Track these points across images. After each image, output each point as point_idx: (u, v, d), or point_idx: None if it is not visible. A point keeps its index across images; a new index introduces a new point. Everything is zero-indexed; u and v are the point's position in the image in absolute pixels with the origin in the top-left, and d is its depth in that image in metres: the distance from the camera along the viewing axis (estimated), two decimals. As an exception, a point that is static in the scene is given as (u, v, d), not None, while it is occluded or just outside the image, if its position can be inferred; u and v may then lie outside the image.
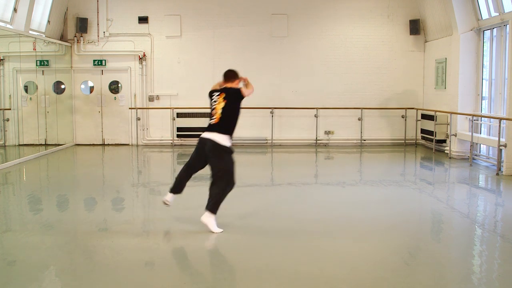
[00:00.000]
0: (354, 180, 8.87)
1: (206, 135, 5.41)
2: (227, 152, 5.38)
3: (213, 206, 5.36)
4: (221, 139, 5.33)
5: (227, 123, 5.41)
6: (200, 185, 8.30)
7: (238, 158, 11.43)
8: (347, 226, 5.76)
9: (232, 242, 5.15)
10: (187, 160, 5.66)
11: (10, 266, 4.53)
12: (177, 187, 5.66)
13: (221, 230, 5.37)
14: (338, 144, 13.25)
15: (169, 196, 5.64)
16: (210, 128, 5.42)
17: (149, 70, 13.24)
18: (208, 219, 5.34)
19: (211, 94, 5.70)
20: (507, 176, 8.71)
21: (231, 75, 5.70)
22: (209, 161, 5.44)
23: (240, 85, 5.76)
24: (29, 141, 12.02)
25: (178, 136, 13.10)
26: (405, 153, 12.11)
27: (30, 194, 7.69)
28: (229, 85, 5.66)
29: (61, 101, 13.06)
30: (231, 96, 5.49)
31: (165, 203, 5.68)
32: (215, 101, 5.54)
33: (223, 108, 5.43)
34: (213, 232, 5.32)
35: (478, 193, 8.06)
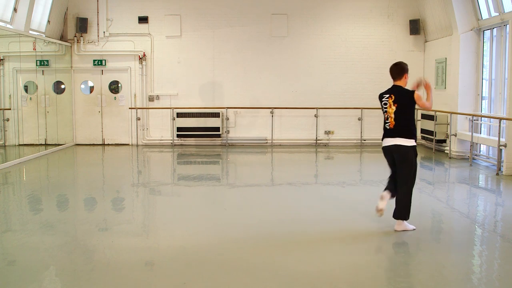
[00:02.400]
0: (354, 180, 8.86)
1: (388, 142, 5.28)
2: (411, 156, 5.20)
3: (404, 214, 5.28)
4: (406, 143, 5.16)
5: (404, 127, 5.18)
6: (199, 185, 8.31)
7: (238, 158, 11.51)
8: (347, 226, 5.76)
9: (232, 242, 5.15)
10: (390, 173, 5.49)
11: (10, 266, 4.53)
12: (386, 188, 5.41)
13: (414, 227, 5.37)
14: (338, 144, 13.25)
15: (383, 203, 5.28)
16: (388, 133, 5.29)
17: (149, 70, 13.24)
18: (401, 226, 5.30)
19: (381, 97, 5.41)
20: (507, 176, 8.71)
21: (396, 71, 5.37)
22: (397, 166, 5.30)
23: (419, 91, 5.35)
24: (29, 141, 12.02)
25: (178, 136, 13.10)
26: (405, 153, 12.09)
27: (30, 194, 7.68)
28: (397, 83, 5.36)
29: (61, 101, 13.06)
30: (401, 100, 5.19)
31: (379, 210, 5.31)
32: (385, 104, 5.30)
33: (395, 113, 5.19)
34: (413, 229, 5.33)
35: (478, 193, 8.06)
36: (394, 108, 5.19)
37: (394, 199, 5.39)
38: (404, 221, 5.37)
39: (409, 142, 5.17)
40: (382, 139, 5.42)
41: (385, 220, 6.00)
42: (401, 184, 5.26)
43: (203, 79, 13.26)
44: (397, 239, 5.30)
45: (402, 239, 5.34)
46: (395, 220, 5.40)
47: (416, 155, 5.29)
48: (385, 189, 5.39)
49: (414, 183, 5.38)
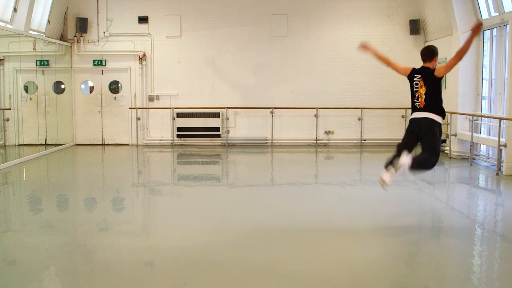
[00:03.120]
0: (354, 180, 8.86)
1: (419, 114, 5.43)
2: (436, 129, 5.40)
3: (414, 160, 5.30)
4: (435, 117, 5.39)
5: (434, 106, 5.41)
6: (199, 185, 8.31)
7: (238, 158, 11.51)
8: (347, 226, 5.76)
9: (232, 242, 5.15)
10: (400, 144, 5.60)
11: (10, 266, 4.53)
12: (395, 156, 5.46)
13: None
14: (338, 144, 13.25)
15: (388, 175, 5.40)
16: (418, 110, 5.45)
17: (149, 70, 13.24)
18: (406, 159, 5.26)
19: (412, 75, 5.57)
20: (507, 176, 8.71)
21: (427, 54, 5.56)
22: (422, 139, 5.46)
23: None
24: (29, 141, 12.02)
25: (178, 136, 13.11)
26: (405, 153, 12.10)
27: (30, 194, 7.69)
28: (427, 64, 5.55)
29: (61, 101, 13.06)
30: (429, 80, 5.42)
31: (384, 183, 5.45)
32: (416, 84, 5.51)
33: (426, 94, 5.42)
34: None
35: (478, 193, 8.06)
36: (424, 89, 5.43)
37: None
38: (408, 164, 5.29)
39: (438, 118, 5.40)
40: (412, 113, 5.57)
41: (385, 220, 6.00)
42: (427, 153, 5.38)
43: (203, 79, 13.26)
44: (397, 239, 5.30)
45: (402, 239, 5.34)
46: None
47: (441, 132, 5.47)
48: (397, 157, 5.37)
49: (438, 157, 5.47)
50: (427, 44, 5.76)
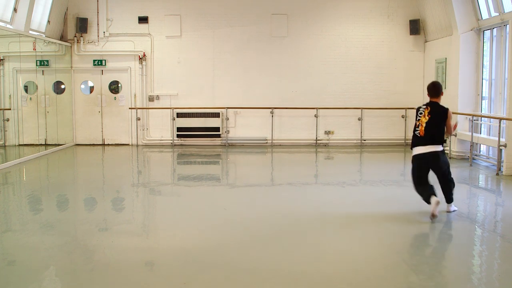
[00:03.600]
0: (354, 180, 8.86)
1: (421, 150, 5.88)
2: (444, 157, 5.98)
3: (450, 197, 6.16)
4: (437, 148, 5.85)
5: (433, 135, 5.82)
6: (199, 185, 8.31)
7: (238, 158, 11.51)
8: (347, 226, 5.76)
9: (232, 242, 5.15)
10: (414, 179, 6.10)
11: (10, 266, 4.53)
12: (431, 194, 5.89)
13: (456, 208, 6.24)
14: (338, 144, 13.25)
15: (433, 206, 5.84)
16: (419, 141, 5.90)
17: (149, 70, 13.24)
18: (451, 207, 6.19)
19: (419, 107, 6.06)
20: (507, 176, 8.71)
21: (435, 90, 6.02)
22: (434, 170, 6.00)
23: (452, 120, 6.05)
24: (29, 141, 12.02)
25: (178, 136, 13.11)
26: (405, 153, 12.10)
27: (30, 194, 7.69)
28: (434, 99, 6.01)
29: (61, 101, 13.06)
30: (436, 113, 5.85)
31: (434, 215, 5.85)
32: (421, 113, 5.94)
33: (427, 123, 5.83)
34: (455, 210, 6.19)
35: (478, 193, 8.06)
36: (427, 118, 5.84)
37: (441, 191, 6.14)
38: (452, 203, 6.20)
39: (439, 148, 5.87)
40: (413, 147, 6.02)
41: (385, 220, 6.00)
42: (446, 179, 6.03)
43: (203, 79, 13.26)
44: (397, 239, 5.31)
45: (402, 239, 5.34)
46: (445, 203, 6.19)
47: (445, 155, 6.05)
48: (433, 195, 5.86)
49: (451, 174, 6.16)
50: (433, 81, 6.27)
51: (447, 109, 5.92)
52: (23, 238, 5.25)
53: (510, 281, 4.13)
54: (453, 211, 6.21)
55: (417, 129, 5.92)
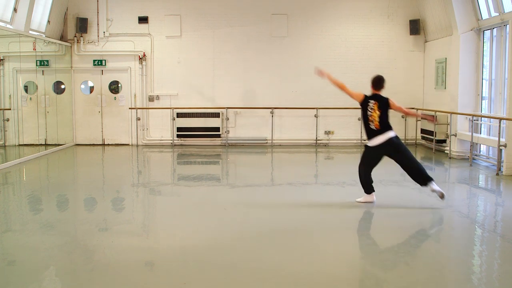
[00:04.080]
0: (354, 180, 8.81)
1: (378, 141, 6.33)
2: (400, 141, 6.45)
3: (426, 177, 6.36)
4: (391, 134, 6.34)
5: (386, 124, 6.36)
6: (199, 185, 8.31)
7: (238, 158, 11.50)
8: (347, 226, 5.77)
9: (232, 242, 5.15)
10: (362, 166, 6.61)
11: (10, 266, 4.53)
12: (370, 186, 6.64)
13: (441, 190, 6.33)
14: (338, 144, 13.25)
15: (369, 197, 6.65)
16: (375, 133, 6.35)
17: (149, 70, 13.24)
18: (435, 186, 6.32)
19: (367, 100, 6.46)
20: (507, 176, 8.71)
21: (380, 83, 6.53)
22: (395, 156, 6.44)
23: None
24: (29, 141, 12.02)
25: (178, 136, 13.11)
26: (405, 153, 12.10)
27: (30, 194, 7.69)
28: (378, 92, 6.51)
29: (61, 101, 13.06)
30: (383, 106, 6.36)
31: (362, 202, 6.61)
32: (372, 109, 6.38)
33: (380, 116, 6.33)
34: (442, 193, 6.30)
35: (478, 193, 8.06)
36: (378, 113, 6.33)
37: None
38: (433, 182, 6.34)
39: (393, 133, 6.37)
40: (369, 139, 6.43)
41: (385, 220, 6.00)
42: (411, 161, 6.46)
43: (203, 79, 13.26)
44: (397, 239, 5.31)
45: (402, 239, 5.34)
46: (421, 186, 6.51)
47: (398, 138, 6.54)
48: (373, 190, 6.66)
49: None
50: (378, 75, 6.64)
51: (387, 98, 6.42)
52: (23, 238, 5.25)
53: (510, 281, 4.13)
54: (439, 190, 6.30)
55: (370, 123, 6.35)
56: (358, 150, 12.57)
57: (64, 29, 13.04)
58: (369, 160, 6.56)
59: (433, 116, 6.63)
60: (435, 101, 12.29)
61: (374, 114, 6.33)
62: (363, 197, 6.70)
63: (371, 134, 6.40)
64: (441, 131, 11.55)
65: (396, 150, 6.37)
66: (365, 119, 6.43)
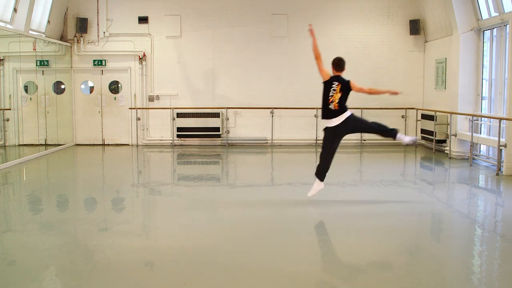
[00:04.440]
0: (354, 180, 8.86)
1: (337, 121, 6.45)
2: (355, 115, 6.69)
3: (392, 130, 6.64)
4: (347, 114, 6.49)
5: (344, 106, 6.50)
6: (199, 185, 8.31)
7: (238, 158, 11.51)
8: (347, 226, 5.76)
9: (232, 242, 5.15)
10: (324, 152, 6.65)
11: (10, 266, 4.53)
12: (325, 174, 6.72)
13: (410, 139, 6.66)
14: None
15: (321, 184, 6.72)
16: (333, 113, 6.47)
17: (149, 70, 13.24)
18: (402, 136, 6.62)
19: (331, 81, 6.55)
20: (507, 176, 8.71)
21: (342, 65, 6.68)
22: (357, 128, 6.86)
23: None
24: (29, 141, 12.02)
25: (178, 136, 13.10)
26: (405, 153, 12.11)
27: (30, 194, 7.69)
28: (340, 73, 6.62)
29: (61, 101, 13.06)
30: (345, 88, 6.47)
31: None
32: (334, 90, 6.48)
33: (340, 98, 6.45)
34: (412, 140, 6.69)
35: (478, 193, 8.06)
36: (339, 95, 6.45)
37: None
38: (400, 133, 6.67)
39: (348, 113, 6.54)
40: (325, 118, 6.56)
41: (385, 220, 6.00)
42: (374, 125, 6.78)
43: (203, 79, 13.26)
44: (397, 240, 5.31)
45: (403, 239, 5.34)
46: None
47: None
48: (323, 179, 6.72)
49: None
50: (339, 57, 6.90)
51: (349, 80, 6.52)
52: (23, 238, 5.25)
53: (510, 281, 4.13)
54: (409, 139, 6.64)
55: (330, 103, 6.46)
56: (358, 150, 12.57)
57: (64, 29, 13.04)
58: (331, 143, 6.61)
59: (397, 91, 6.78)
60: (435, 101, 12.29)
61: (336, 95, 6.45)
62: (314, 187, 6.71)
63: (329, 114, 6.51)
64: (441, 131, 11.55)
65: (356, 123, 6.62)
66: (326, 99, 6.53)
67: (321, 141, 6.76)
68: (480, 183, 8.68)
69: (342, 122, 6.46)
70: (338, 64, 6.67)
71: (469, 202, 7.26)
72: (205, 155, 11.86)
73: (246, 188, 8.10)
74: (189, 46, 13.18)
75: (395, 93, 6.81)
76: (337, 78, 6.57)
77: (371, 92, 6.82)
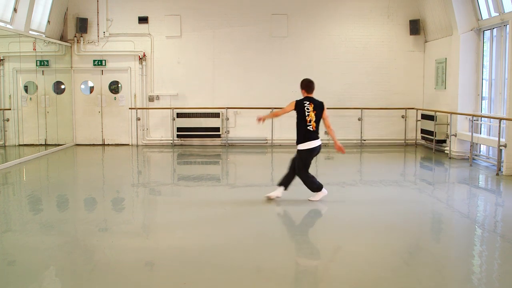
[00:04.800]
0: (354, 180, 8.86)
1: (316, 143, 6.60)
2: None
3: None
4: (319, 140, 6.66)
5: (317, 128, 6.65)
6: (199, 185, 8.31)
7: (238, 158, 11.50)
8: (347, 226, 5.76)
9: (232, 242, 5.15)
10: (306, 167, 6.73)
11: (10, 266, 4.53)
12: (319, 183, 6.76)
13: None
14: (338, 144, 13.22)
15: (323, 191, 6.76)
16: (313, 135, 6.58)
17: (149, 70, 13.24)
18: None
19: (301, 103, 6.60)
20: (507, 176, 8.71)
21: (312, 86, 6.75)
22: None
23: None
24: (29, 141, 12.02)
25: (178, 136, 13.11)
26: (405, 153, 12.11)
27: (30, 194, 7.69)
28: (311, 95, 6.70)
29: (61, 101, 13.06)
30: (318, 109, 6.59)
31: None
32: (308, 110, 6.56)
33: (316, 118, 6.56)
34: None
35: (478, 193, 8.06)
36: (314, 113, 6.54)
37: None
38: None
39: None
40: (307, 141, 6.55)
41: (385, 220, 6.00)
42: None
43: (203, 79, 13.26)
44: (397, 239, 5.31)
45: (403, 239, 5.34)
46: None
47: None
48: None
49: None
50: (308, 78, 6.93)
51: (322, 102, 6.67)
52: (23, 238, 5.25)
53: (510, 281, 4.14)
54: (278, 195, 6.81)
55: (309, 124, 6.52)
56: (358, 150, 12.57)
57: (64, 29, 13.04)
58: (307, 163, 6.69)
59: (343, 149, 6.81)
60: (435, 101, 12.29)
61: (312, 114, 6.52)
62: (318, 194, 6.76)
63: (309, 136, 6.54)
64: (441, 131, 11.55)
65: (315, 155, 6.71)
66: (303, 121, 6.54)
67: (299, 162, 6.68)
68: (480, 183, 8.68)
69: (318, 146, 6.58)
70: (308, 85, 6.70)
71: (469, 202, 7.26)
72: (205, 155, 11.85)
73: (246, 188, 8.10)
74: (189, 46, 13.18)
75: (341, 150, 6.73)
76: (308, 99, 6.61)
77: (328, 129, 6.82)
